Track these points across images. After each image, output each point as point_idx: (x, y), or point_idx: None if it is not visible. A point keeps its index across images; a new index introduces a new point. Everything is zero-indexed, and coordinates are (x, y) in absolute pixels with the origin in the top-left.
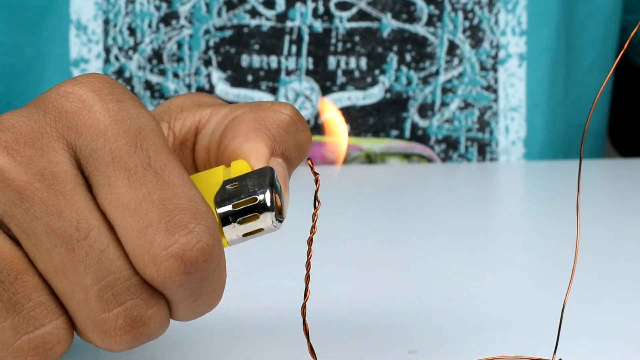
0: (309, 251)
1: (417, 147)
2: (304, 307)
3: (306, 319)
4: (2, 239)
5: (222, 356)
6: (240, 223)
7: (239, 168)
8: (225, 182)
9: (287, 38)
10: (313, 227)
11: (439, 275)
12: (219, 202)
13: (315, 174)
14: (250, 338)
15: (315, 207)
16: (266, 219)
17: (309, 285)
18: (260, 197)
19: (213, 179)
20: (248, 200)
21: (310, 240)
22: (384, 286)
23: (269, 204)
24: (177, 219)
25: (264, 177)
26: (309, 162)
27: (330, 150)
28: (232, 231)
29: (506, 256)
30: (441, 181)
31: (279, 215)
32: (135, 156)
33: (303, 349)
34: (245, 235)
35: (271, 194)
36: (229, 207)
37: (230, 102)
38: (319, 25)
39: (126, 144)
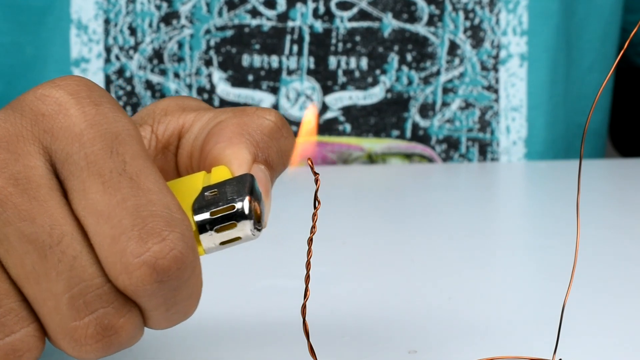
0: (309, 251)
1: (418, 147)
2: (304, 307)
3: (306, 319)
4: None
5: (222, 356)
6: (217, 231)
7: (220, 174)
8: (204, 189)
9: (288, 38)
10: (313, 227)
11: (439, 275)
12: (197, 210)
13: (315, 173)
14: (250, 338)
15: (315, 207)
16: (244, 228)
17: (309, 285)
18: (238, 205)
19: (193, 185)
20: (226, 208)
21: (310, 240)
22: (384, 286)
23: (247, 212)
24: (150, 226)
25: (244, 185)
26: (309, 162)
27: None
28: (209, 239)
29: (506, 256)
30: (442, 181)
31: (258, 223)
32: (110, 161)
33: (303, 349)
34: (222, 243)
35: (250, 202)
36: (206, 215)
37: (231, 102)
38: (319, 25)
39: (102, 149)
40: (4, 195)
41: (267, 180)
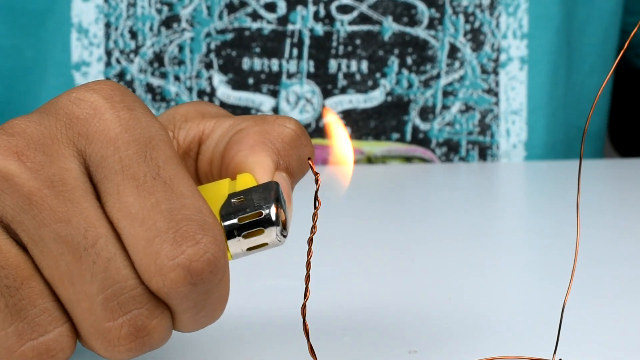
0: (309, 251)
1: (418, 150)
2: (304, 307)
3: (306, 319)
4: (9, 245)
5: (222, 356)
6: (245, 237)
7: (245, 181)
8: (231, 195)
9: (288, 41)
10: (313, 227)
11: (439, 275)
12: (225, 216)
13: (316, 173)
14: (250, 338)
15: (315, 207)
16: (271, 234)
17: (309, 285)
18: (265, 212)
19: (218, 191)
20: (253, 215)
21: (310, 240)
22: (384, 286)
23: (274, 218)
24: (184, 229)
25: (270, 192)
26: (309, 161)
27: (332, 153)
28: (237, 245)
29: (506, 256)
30: (441, 182)
31: (284, 230)
32: (144, 165)
33: (303, 349)
34: (249, 249)
35: (277, 209)
36: (234, 221)
37: (231, 106)
38: (320, 29)
39: (136, 153)
40: (39, 197)
41: (289, 187)
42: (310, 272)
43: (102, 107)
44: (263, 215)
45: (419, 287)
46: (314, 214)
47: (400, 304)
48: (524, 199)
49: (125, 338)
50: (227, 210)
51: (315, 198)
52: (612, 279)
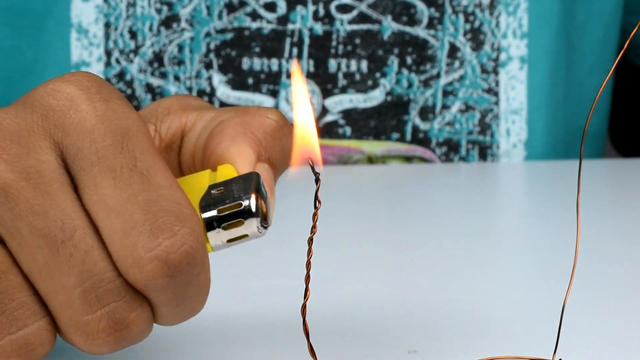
0: (309, 251)
1: (418, 150)
2: (304, 307)
3: (306, 319)
4: None
5: (222, 356)
6: (224, 229)
7: (225, 173)
8: (211, 187)
9: (288, 41)
10: (314, 227)
11: (439, 275)
12: (204, 207)
13: (316, 173)
14: (251, 338)
15: (315, 207)
16: (251, 225)
17: (309, 285)
18: (245, 203)
19: (199, 183)
20: (233, 206)
21: (310, 240)
22: (384, 286)
23: (254, 209)
24: (161, 221)
25: (250, 183)
26: (310, 161)
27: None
28: (217, 237)
29: (506, 256)
30: (441, 181)
31: (264, 221)
32: (121, 157)
33: (303, 349)
34: (229, 240)
35: (257, 200)
36: (213, 212)
37: (231, 105)
38: (319, 28)
39: (112, 144)
40: (16, 190)
41: (271, 178)
42: (310, 272)
43: (78, 99)
44: (243, 206)
45: (419, 287)
46: (314, 214)
47: (400, 304)
48: (524, 199)
49: (104, 331)
50: (207, 202)
51: (316, 198)
52: (612, 279)
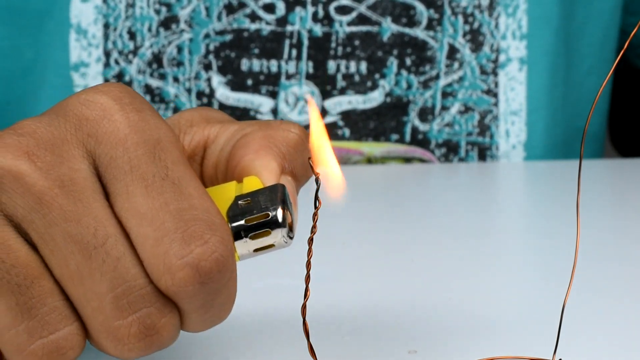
0: (310, 251)
1: (418, 151)
2: (304, 307)
3: (306, 319)
4: (19, 244)
5: (222, 356)
6: (252, 238)
7: (251, 184)
8: (238, 198)
9: (287, 42)
10: (314, 226)
11: (439, 275)
12: (232, 217)
13: (316, 173)
14: (250, 338)
15: (315, 207)
16: (277, 235)
17: (309, 285)
18: (272, 214)
19: (225, 193)
20: (260, 216)
21: (310, 240)
22: (384, 286)
23: (280, 220)
24: (193, 229)
25: (276, 194)
26: (310, 161)
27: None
28: (244, 246)
29: (506, 256)
30: (441, 182)
31: (290, 231)
32: (153, 166)
33: (303, 349)
34: (256, 250)
35: (283, 211)
36: (241, 222)
37: (230, 107)
38: (318, 30)
39: (145, 154)
40: (50, 197)
41: (294, 190)
42: (311, 272)
43: (111, 109)
44: (270, 217)
45: (419, 287)
46: (314, 214)
47: (400, 304)
48: (524, 199)
49: (135, 336)
50: (234, 212)
51: (316, 198)
52: (612, 279)
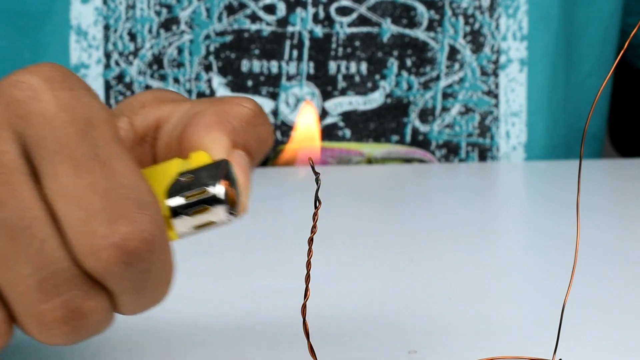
0: (310, 251)
1: (418, 152)
2: (304, 307)
3: (306, 319)
4: None
5: (222, 356)
6: (191, 215)
7: (199, 160)
8: (181, 175)
9: (287, 43)
10: (314, 226)
11: (439, 275)
12: (171, 194)
13: (316, 173)
14: (250, 338)
15: (315, 207)
16: (218, 212)
17: (309, 285)
18: (211, 190)
19: (168, 171)
20: (199, 192)
21: (310, 240)
22: (384, 286)
23: (222, 197)
24: (120, 208)
25: (218, 169)
26: (310, 161)
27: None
28: (183, 223)
29: (506, 256)
30: (441, 181)
31: (233, 208)
32: (82, 145)
33: (303, 349)
34: (196, 227)
35: (225, 187)
36: (180, 199)
37: None
38: (319, 31)
39: (74, 133)
40: None
41: (247, 165)
42: (311, 272)
43: (40, 89)
44: (209, 193)
45: (419, 287)
46: (315, 214)
47: (400, 304)
48: (524, 199)
49: (60, 320)
50: (175, 189)
51: (316, 198)
52: (612, 279)
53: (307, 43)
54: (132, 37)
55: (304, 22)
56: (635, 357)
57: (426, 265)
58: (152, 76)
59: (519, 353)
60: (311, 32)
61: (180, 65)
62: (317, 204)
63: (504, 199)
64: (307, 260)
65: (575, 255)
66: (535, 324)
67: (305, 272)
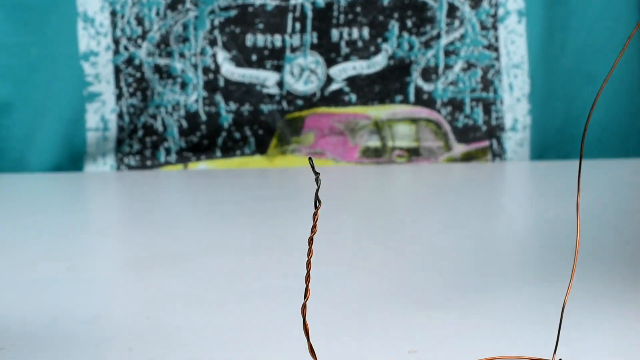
0: (310, 250)
1: (424, 112)
2: (304, 306)
3: (306, 318)
4: None
5: (222, 356)
6: None
7: None
8: None
9: (290, 16)
10: (314, 226)
11: (439, 275)
12: None
13: (316, 173)
14: (251, 338)
15: (316, 207)
16: None
17: (309, 285)
18: None
19: None
20: None
21: (310, 240)
22: (384, 286)
23: None
24: None
25: None
26: (310, 161)
27: None
28: None
29: (506, 256)
30: (441, 181)
31: None
32: None
33: (303, 349)
34: None
35: None
36: None
37: (235, 83)
38: (321, 0)
39: None
40: None
41: None
42: (311, 272)
43: None
44: None
45: (419, 287)
46: (314, 214)
47: (400, 304)
48: (524, 199)
49: None
50: None
51: (316, 198)
52: (612, 279)
53: (310, 14)
54: (140, 21)
55: None
56: (636, 357)
57: (425, 264)
58: (159, 55)
59: (519, 353)
60: (314, 3)
61: (185, 40)
62: (317, 203)
63: (504, 199)
64: (307, 260)
65: (575, 255)
66: (535, 324)
67: (305, 272)
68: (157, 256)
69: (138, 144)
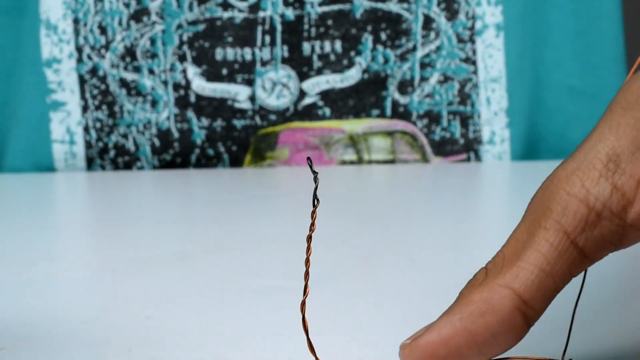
0: (308, 248)
1: (400, 124)
2: (303, 303)
3: (305, 317)
4: None
5: (222, 356)
6: None
7: None
8: None
9: (259, 29)
10: (312, 224)
11: (439, 275)
12: None
13: (314, 172)
14: (250, 338)
15: (314, 205)
16: None
17: (308, 282)
18: None
19: None
20: None
21: (309, 238)
22: (384, 286)
23: None
24: None
25: None
26: (308, 160)
27: None
28: None
29: None
30: (440, 181)
31: None
32: None
33: (303, 349)
34: None
35: None
36: None
37: (207, 98)
38: (290, 13)
39: None
40: None
41: None
42: (310, 271)
43: None
44: None
45: (419, 287)
46: (313, 212)
47: (400, 303)
48: (524, 199)
49: None
50: None
51: (314, 196)
52: (616, 278)
53: (279, 27)
54: (103, 30)
55: (274, 7)
56: None
57: (426, 265)
58: (125, 68)
59: (526, 353)
60: (282, 15)
61: (154, 56)
62: (316, 202)
63: (504, 199)
64: (306, 258)
65: None
66: (544, 323)
67: (305, 269)
68: (157, 256)
69: (110, 164)
